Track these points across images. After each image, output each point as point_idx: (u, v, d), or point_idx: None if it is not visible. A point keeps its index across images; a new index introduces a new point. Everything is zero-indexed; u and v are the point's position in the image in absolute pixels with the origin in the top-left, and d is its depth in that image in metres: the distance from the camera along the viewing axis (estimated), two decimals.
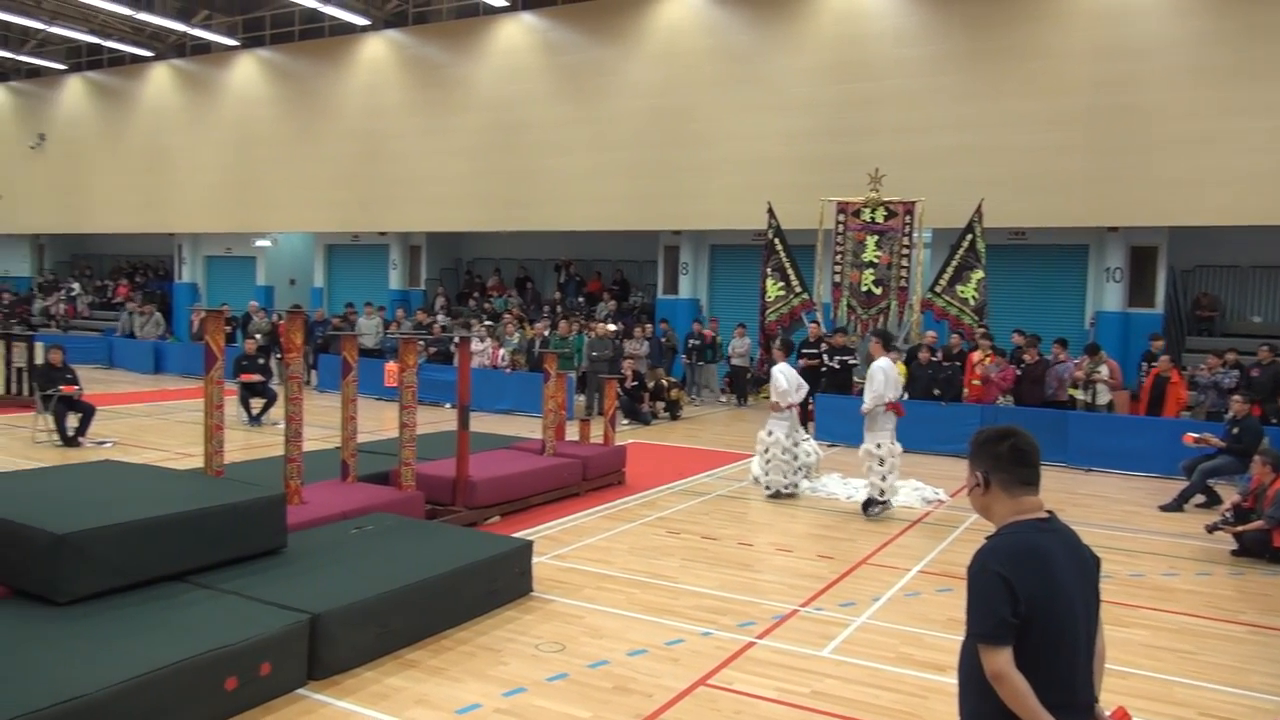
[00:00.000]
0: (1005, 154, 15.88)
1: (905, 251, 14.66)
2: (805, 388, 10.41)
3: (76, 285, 29.08)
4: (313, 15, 22.94)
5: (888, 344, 9.80)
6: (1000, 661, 2.41)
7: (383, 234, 23.65)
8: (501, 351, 17.31)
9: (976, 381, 13.31)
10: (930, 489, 10.29)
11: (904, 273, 14.67)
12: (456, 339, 10.63)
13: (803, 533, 8.71)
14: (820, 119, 17.34)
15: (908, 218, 14.64)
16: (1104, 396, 13.17)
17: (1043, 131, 15.66)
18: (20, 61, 28.38)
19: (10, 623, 4.67)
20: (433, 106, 21.65)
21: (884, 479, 9.22)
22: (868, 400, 9.24)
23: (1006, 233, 16.60)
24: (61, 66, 28.25)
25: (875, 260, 14.80)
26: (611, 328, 17.10)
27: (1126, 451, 12.14)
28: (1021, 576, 2.44)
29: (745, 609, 6.36)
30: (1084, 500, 10.38)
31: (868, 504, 9.34)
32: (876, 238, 14.77)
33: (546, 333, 17.48)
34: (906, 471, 10.75)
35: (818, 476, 10.70)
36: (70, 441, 11.91)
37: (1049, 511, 2.63)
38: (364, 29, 22.40)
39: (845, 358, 14.24)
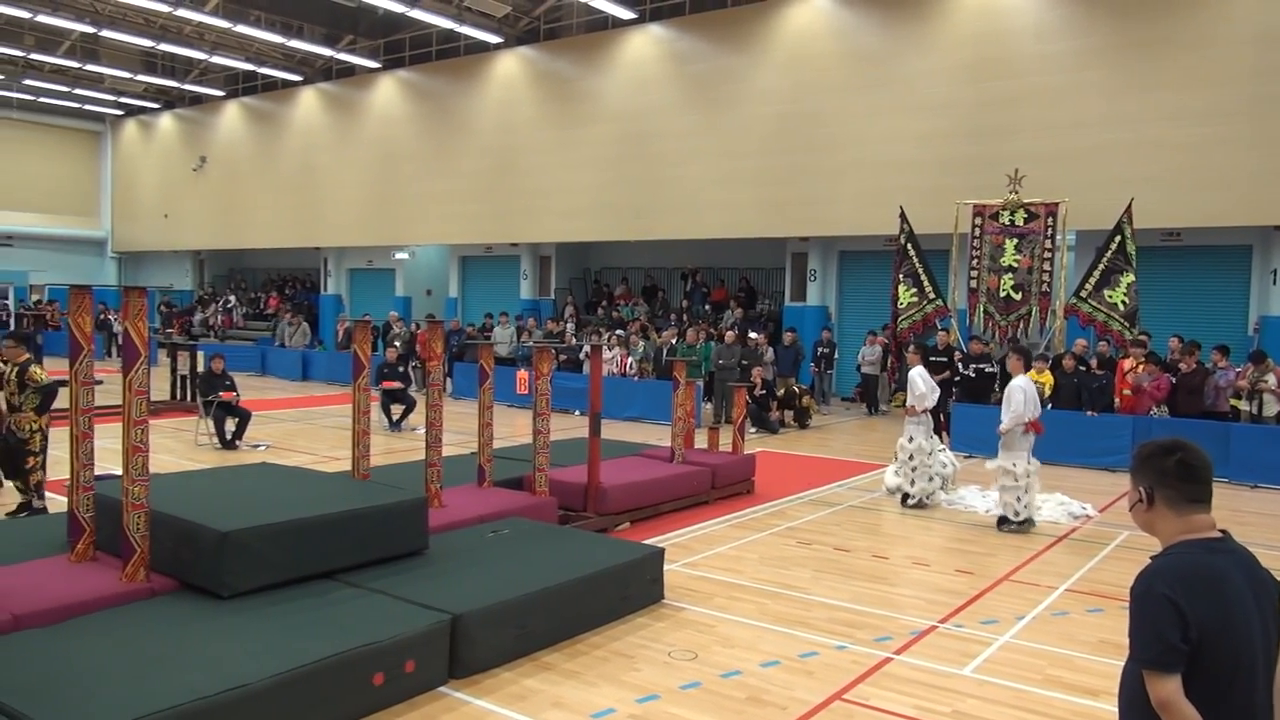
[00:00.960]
0: (1157, 151, 15.02)
1: (1047, 255, 14.05)
2: (938, 392, 10.17)
3: (233, 297, 30.99)
4: (449, 35, 23.79)
5: (1028, 361, 9.39)
6: (1169, 690, 2.28)
7: (514, 245, 24.26)
8: (630, 360, 17.47)
9: (1128, 391, 12.62)
10: (1077, 503, 9.81)
11: (1046, 277, 14.07)
12: (588, 347, 10.80)
13: (939, 546, 8.45)
14: (956, 120, 16.83)
15: (1050, 220, 14.03)
16: (1272, 407, 12.26)
17: (1200, 125, 14.74)
18: (185, 90, 30.51)
19: (180, 614, 5.00)
20: (563, 119, 22.10)
21: (1018, 499, 8.85)
22: (1006, 421, 8.86)
23: (1159, 234, 15.68)
24: (220, 93, 30.20)
25: (1015, 264, 14.24)
26: (754, 335, 17.01)
27: None
28: (1192, 600, 2.29)
29: (881, 623, 6.21)
30: (1249, 519, 9.68)
31: (1002, 521, 9.01)
32: (1016, 241, 14.22)
33: (674, 340, 17.54)
34: (1052, 485, 10.32)
35: (955, 489, 10.36)
36: (228, 444, 12.66)
37: (1222, 531, 2.47)
38: (497, 47, 23.08)
39: (982, 366, 13.74)
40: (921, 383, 9.64)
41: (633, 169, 20.80)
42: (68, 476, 5.85)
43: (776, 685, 5.14)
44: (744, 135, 19.29)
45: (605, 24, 21.54)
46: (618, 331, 19.00)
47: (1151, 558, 2.45)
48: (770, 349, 17.26)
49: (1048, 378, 12.93)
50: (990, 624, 6.24)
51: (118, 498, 5.43)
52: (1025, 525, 8.89)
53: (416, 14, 21.14)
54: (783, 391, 16.07)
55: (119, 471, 5.72)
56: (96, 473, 5.92)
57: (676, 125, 20.23)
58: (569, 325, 20.73)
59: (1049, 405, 12.73)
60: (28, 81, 29.24)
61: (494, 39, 22.68)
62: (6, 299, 30.32)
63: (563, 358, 18.07)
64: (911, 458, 9.74)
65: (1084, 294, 13.68)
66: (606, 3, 20.01)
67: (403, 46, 25.27)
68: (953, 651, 5.72)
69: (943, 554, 8.16)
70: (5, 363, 8.26)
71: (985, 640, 5.92)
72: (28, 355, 8.40)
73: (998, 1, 16.67)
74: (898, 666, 5.47)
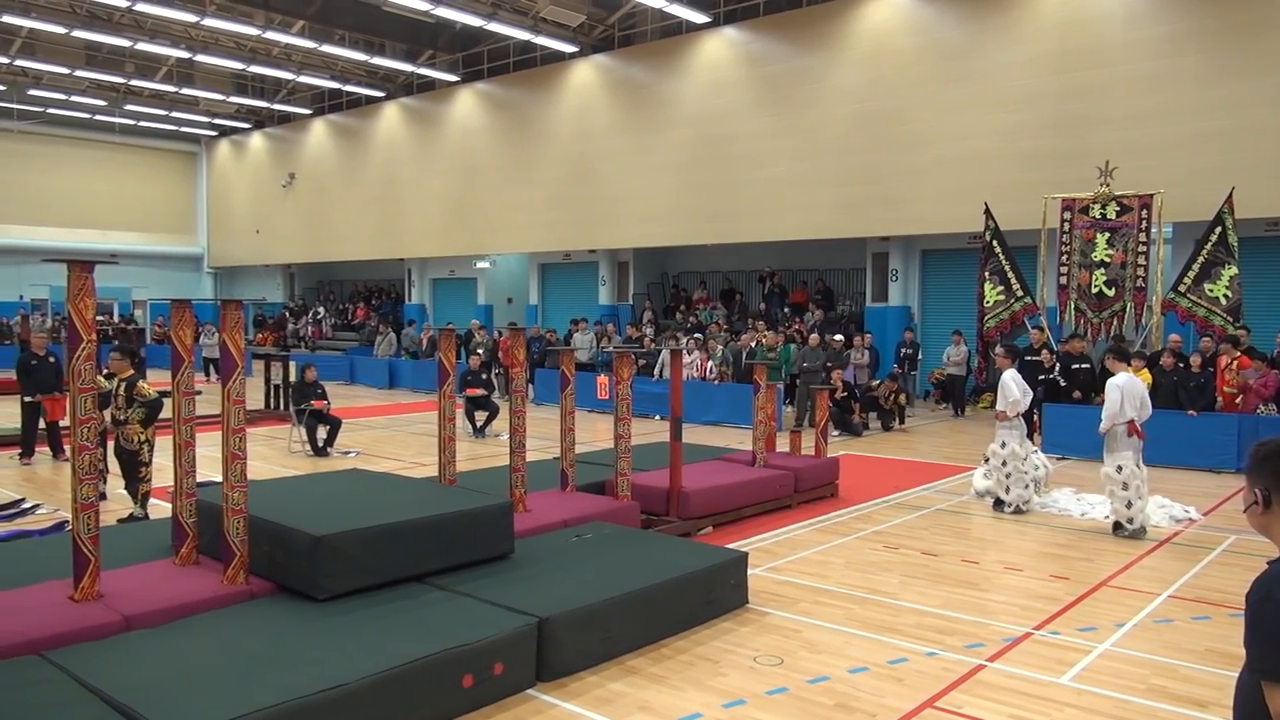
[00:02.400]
0: (1259, 137, 14.35)
1: (1142, 249, 13.56)
2: (1030, 394, 9.89)
3: (322, 309, 31.90)
4: (525, 47, 24.14)
5: (1123, 357, 9.04)
6: None
7: (592, 251, 24.45)
8: (710, 363, 17.43)
9: (1228, 388, 12.07)
10: (1179, 506, 9.42)
11: (1141, 272, 13.57)
12: (665, 353, 10.80)
13: (1033, 551, 8.20)
14: (1041, 112, 16.37)
15: (1144, 212, 13.54)
16: None
17: None
18: (274, 109, 31.60)
19: (278, 616, 5.16)
20: (639, 125, 22.20)
21: (1129, 505, 8.51)
22: (1104, 421, 8.57)
23: (1263, 224, 15.01)
24: (307, 111, 31.18)
25: (1107, 259, 13.78)
26: (838, 337, 16.85)
27: None
28: None
29: (973, 629, 6.05)
30: None
31: (1117, 527, 8.69)
32: (1108, 235, 13.76)
33: (754, 344, 17.44)
34: (1153, 487, 9.93)
35: (1047, 491, 10.06)
36: (320, 451, 13.01)
37: None
38: (572, 56, 23.32)
39: (1081, 365, 13.29)
40: (1015, 387, 9.38)
41: (709, 172, 20.76)
42: (171, 483, 6.09)
43: (865, 692, 5.06)
44: (822, 135, 19.09)
45: (679, 29, 21.57)
46: (696, 335, 18.97)
47: (1269, 563, 2.34)
48: (866, 352, 17.03)
49: (1145, 376, 12.47)
50: (1088, 631, 6.03)
51: (218, 503, 5.63)
52: (1137, 534, 8.54)
53: (494, 27, 21.50)
54: (877, 386, 15.86)
55: (218, 478, 5.93)
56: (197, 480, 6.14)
57: (753, 127, 20.13)
58: (648, 330, 20.78)
59: None
60: (129, 107, 30.65)
61: (569, 48, 22.92)
62: (111, 314, 31.78)
63: (642, 362, 18.12)
64: (1005, 464, 9.47)
65: (1182, 288, 13.18)
66: (680, 7, 20.04)
67: (481, 59, 25.72)
68: (1049, 659, 5.54)
69: (1036, 559, 7.92)
70: (111, 376, 8.62)
71: (1084, 648, 5.73)
72: (133, 370, 8.75)
73: None
74: (991, 674, 5.32)
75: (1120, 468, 8.49)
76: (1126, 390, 8.49)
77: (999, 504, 9.56)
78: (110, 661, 4.42)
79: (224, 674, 4.29)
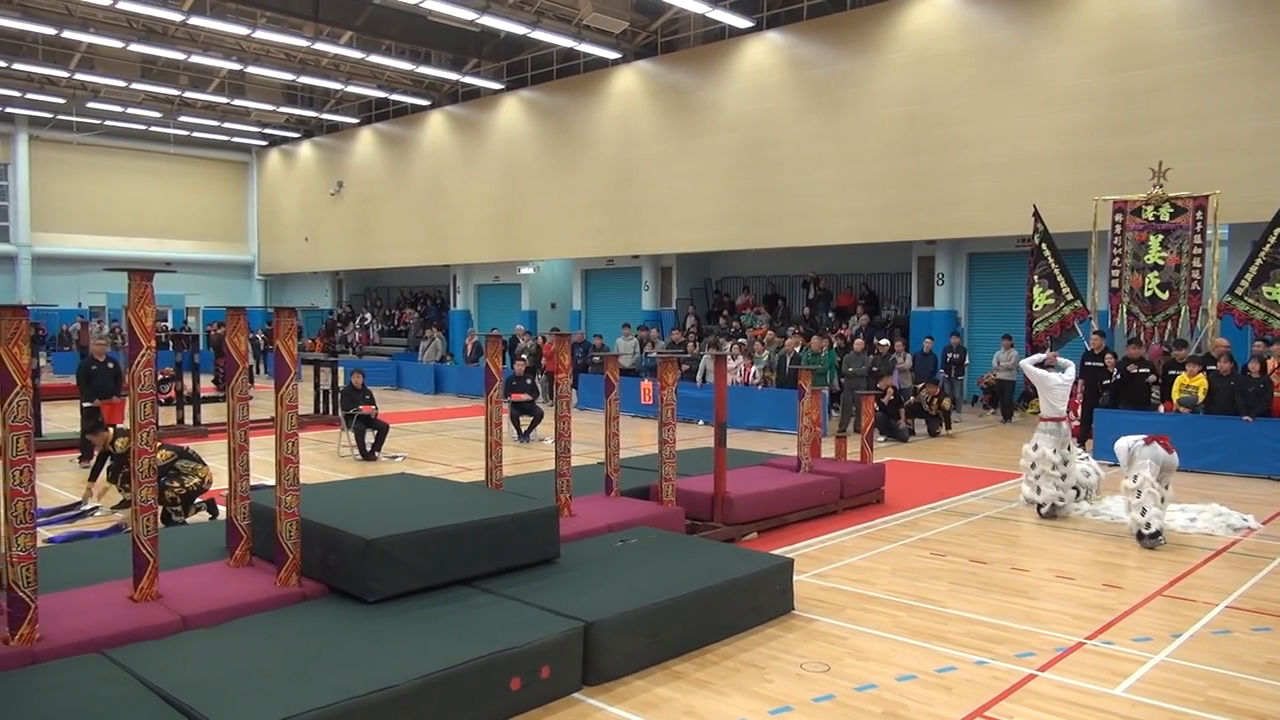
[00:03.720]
0: None
1: (1197, 251, 13.28)
2: (1069, 382, 9.81)
3: (369, 315, 32.35)
4: (569, 54, 24.30)
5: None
6: None
7: (635, 257, 24.49)
8: (754, 369, 17.38)
9: (1277, 392, 11.78)
10: (1237, 515, 9.19)
11: (1196, 274, 13.29)
12: (707, 359, 10.80)
13: (1084, 559, 8.06)
14: (1092, 113, 16.09)
15: (1199, 214, 13.26)
16: None
17: None
18: (322, 119, 32.14)
19: (329, 617, 5.25)
20: (682, 131, 22.20)
21: (1143, 512, 8.32)
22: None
23: None
24: (355, 120, 31.66)
25: (1160, 262, 13.51)
26: (883, 342, 16.75)
27: None
28: None
29: (1023, 638, 5.97)
30: None
31: (1139, 536, 8.53)
32: (1161, 237, 13.49)
33: (798, 349, 17.36)
34: (1209, 495, 9.75)
35: (1099, 499, 9.88)
36: (368, 456, 13.19)
37: None
38: (615, 62, 23.41)
39: (1141, 369, 13.05)
40: (1055, 377, 9.39)
41: (753, 177, 20.70)
42: (226, 487, 6.22)
43: (913, 700, 5.01)
44: (867, 138, 18.94)
45: (722, 34, 21.57)
46: (740, 340, 18.92)
47: None
48: (908, 356, 16.87)
49: (1200, 381, 12.24)
50: (1143, 641, 5.91)
51: (270, 506, 5.75)
52: (1155, 539, 8.36)
53: (537, 35, 21.67)
54: (920, 389, 15.73)
55: (270, 482, 6.05)
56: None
57: (797, 131, 20.04)
58: (691, 335, 20.77)
59: (1200, 410, 12.05)
60: (183, 118, 31.38)
61: (612, 55, 23.02)
62: (166, 321, 32.53)
63: (685, 368, 18.11)
64: (1034, 465, 9.35)
65: (1240, 291, 12.88)
66: (723, 13, 20.04)
67: (525, 67, 25.94)
68: (1102, 670, 5.44)
69: (1087, 567, 7.78)
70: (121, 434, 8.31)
71: (1138, 659, 5.62)
72: (170, 452, 8.46)
73: None
74: (1042, 684, 5.24)
75: (1135, 477, 8.34)
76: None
77: (1038, 508, 9.42)
78: (168, 660, 4.53)
79: (278, 674, 4.37)
